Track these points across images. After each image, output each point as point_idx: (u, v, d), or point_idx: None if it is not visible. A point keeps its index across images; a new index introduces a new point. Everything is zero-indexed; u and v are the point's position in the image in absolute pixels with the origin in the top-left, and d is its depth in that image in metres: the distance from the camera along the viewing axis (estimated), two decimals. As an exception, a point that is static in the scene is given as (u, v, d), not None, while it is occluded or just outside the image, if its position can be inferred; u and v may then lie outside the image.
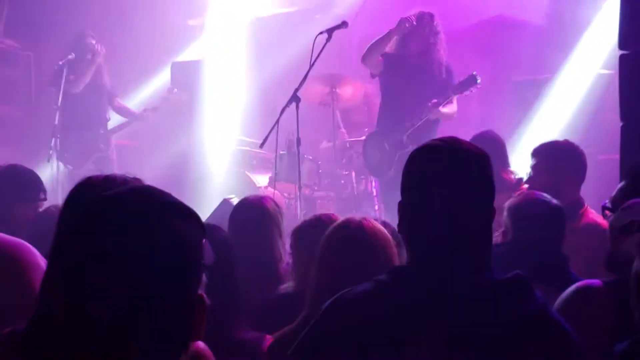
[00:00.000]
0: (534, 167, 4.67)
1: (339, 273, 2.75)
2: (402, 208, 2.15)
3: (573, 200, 4.49)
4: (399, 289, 2.04)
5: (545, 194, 3.65)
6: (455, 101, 6.93)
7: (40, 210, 4.67)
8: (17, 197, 4.69)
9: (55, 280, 1.64)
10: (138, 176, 2.39)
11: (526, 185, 4.85)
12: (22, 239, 2.94)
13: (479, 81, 6.62)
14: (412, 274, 2.08)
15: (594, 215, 4.47)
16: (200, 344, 2.27)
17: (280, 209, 4.27)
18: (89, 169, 8.07)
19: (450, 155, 2.12)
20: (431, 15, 6.98)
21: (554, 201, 3.55)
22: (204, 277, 1.56)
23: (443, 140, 2.19)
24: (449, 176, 2.09)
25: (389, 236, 2.88)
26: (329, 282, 2.70)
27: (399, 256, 2.81)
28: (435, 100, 6.73)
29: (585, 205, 4.54)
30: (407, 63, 7.02)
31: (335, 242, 2.93)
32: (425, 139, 6.66)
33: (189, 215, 1.57)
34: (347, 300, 2.08)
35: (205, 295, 1.56)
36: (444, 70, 6.94)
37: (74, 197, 2.28)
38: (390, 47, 7.08)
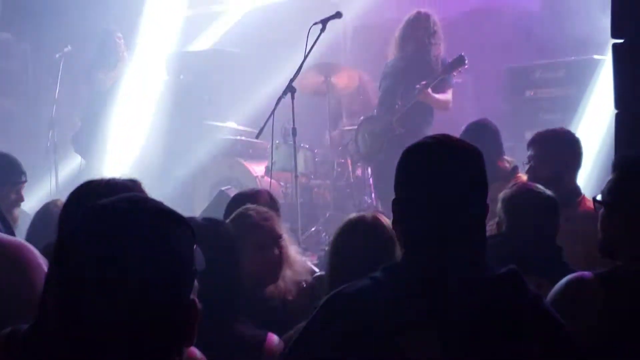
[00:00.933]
0: (534, 157, 4.62)
1: (356, 266, 2.78)
2: (396, 204, 2.17)
3: (571, 188, 4.49)
4: (394, 285, 2.06)
5: (538, 185, 3.66)
6: (449, 92, 7.03)
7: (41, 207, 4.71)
8: (3, 180, 4.78)
9: (54, 285, 1.66)
10: (136, 177, 2.42)
11: (525, 176, 4.85)
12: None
13: (466, 61, 6.77)
14: (407, 270, 2.10)
15: (591, 203, 4.47)
16: (194, 350, 2.30)
17: (276, 203, 4.29)
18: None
19: (442, 151, 2.14)
20: (427, 16, 7.18)
21: (548, 192, 3.56)
22: (195, 283, 1.59)
23: (434, 137, 2.21)
24: (441, 173, 2.10)
25: None
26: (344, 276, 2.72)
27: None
28: (424, 82, 6.83)
29: (582, 194, 4.55)
30: (404, 61, 7.18)
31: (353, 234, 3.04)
32: (416, 125, 6.80)
33: (179, 221, 1.60)
34: (343, 297, 2.11)
35: (197, 301, 1.59)
36: (440, 63, 7.06)
37: (74, 200, 2.31)
38: (390, 51, 7.23)
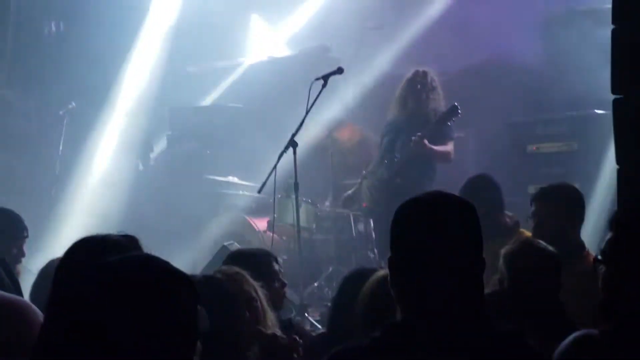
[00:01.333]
0: (538, 213, 4.58)
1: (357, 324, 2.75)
2: (392, 262, 2.15)
3: (575, 244, 4.47)
4: (394, 345, 2.03)
5: (540, 241, 3.64)
6: (450, 144, 7.07)
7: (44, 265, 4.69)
8: (7, 235, 4.79)
9: (48, 345, 1.64)
10: (134, 232, 2.40)
11: (527, 232, 4.82)
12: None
13: (459, 111, 6.88)
14: (406, 330, 2.07)
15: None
16: None
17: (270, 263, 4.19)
18: None
19: (435, 208, 2.13)
20: (425, 73, 7.30)
21: (550, 248, 3.54)
22: (199, 344, 1.57)
23: (428, 193, 2.21)
24: (435, 229, 2.09)
25: None
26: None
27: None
28: (419, 133, 6.87)
29: (587, 249, 4.52)
30: (404, 117, 7.30)
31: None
32: (415, 178, 6.83)
33: (184, 283, 1.58)
34: (342, 357, 2.08)
35: None
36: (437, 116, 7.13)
37: (70, 257, 2.29)
38: (391, 110, 7.39)
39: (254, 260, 3.95)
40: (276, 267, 4.10)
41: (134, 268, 1.57)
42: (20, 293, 3.58)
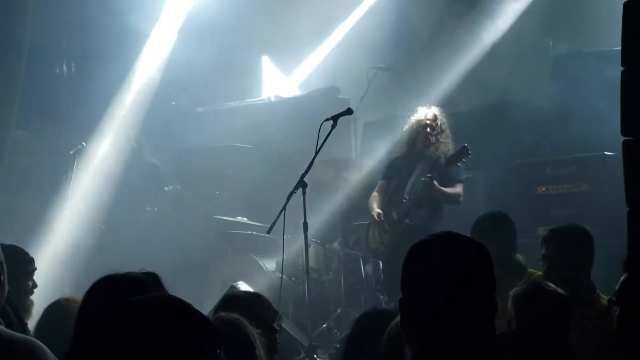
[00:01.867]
0: (551, 256, 4.56)
1: None
2: (403, 303, 2.14)
3: (587, 286, 4.45)
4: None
5: (550, 283, 3.62)
6: (459, 186, 7.05)
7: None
8: (21, 271, 4.76)
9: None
10: (151, 269, 2.41)
11: (536, 273, 4.79)
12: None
13: (470, 152, 6.81)
14: None
15: (606, 300, 4.41)
16: None
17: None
18: None
19: (446, 250, 2.12)
20: (434, 116, 7.30)
21: (559, 290, 3.51)
22: None
23: (439, 235, 2.20)
24: (447, 271, 2.08)
25: None
26: None
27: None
28: (429, 175, 6.84)
29: (598, 291, 4.48)
30: (413, 159, 7.31)
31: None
32: (424, 219, 6.77)
33: (206, 326, 1.58)
34: None
35: None
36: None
37: (93, 295, 2.29)
38: (399, 149, 7.36)
39: (247, 305, 3.90)
40: (270, 313, 4.05)
41: (155, 309, 1.57)
42: (26, 333, 3.57)
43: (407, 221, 7.07)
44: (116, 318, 1.55)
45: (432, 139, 7.20)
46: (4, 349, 2.78)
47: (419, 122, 7.32)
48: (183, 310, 1.59)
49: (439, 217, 7.17)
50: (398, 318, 3.02)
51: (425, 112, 7.36)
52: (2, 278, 3.05)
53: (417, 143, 7.31)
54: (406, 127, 7.45)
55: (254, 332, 3.39)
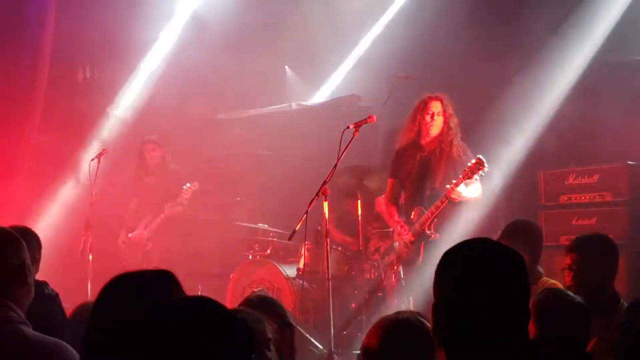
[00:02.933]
0: (577, 265, 4.53)
1: None
2: (436, 310, 2.14)
3: (611, 295, 4.42)
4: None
5: (568, 291, 3.60)
6: (477, 185, 6.94)
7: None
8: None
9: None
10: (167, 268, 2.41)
11: (550, 280, 4.77)
12: None
13: (485, 164, 6.64)
14: None
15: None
16: None
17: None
18: None
19: (485, 256, 2.11)
20: (441, 101, 7.13)
21: (578, 298, 3.49)
22: None
23: (475, 241, 2.19)
24: (481, 278, 2.07)
25: None
26: None
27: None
28: (449, 187, 6.73)
29: (622, 300, 4.45)
30: (426, 154, 7.17)
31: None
32: (446, 226, 6.58)
33: (240, 326, 1.59)
34: None
35: None
36: (461, 152, 7.00)
37: (106, 295, 2.30)
38: (406, 139, 7.26)
39: (262, 303, 3.92)
40: (284, 312, 4.06)
41: (191, 309, 1.58)
42: (66, 329, 3.60)
43: (434, 233, 6.94)
44: (153, 318, 1.56)
45: (445, 128, 7.06)
46: (32, 352, 2.80)
47: (424, 108, 7.14)
48: (223, 313, 1.60)
49: (459, 213, 7.03)
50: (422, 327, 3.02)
51: (432, 99, 7.17)
52: (29, 280, 3.07)
53: (423, 132, 7.16)
54: (411, 114, 7.25)
55: (270, 328, 3.41)
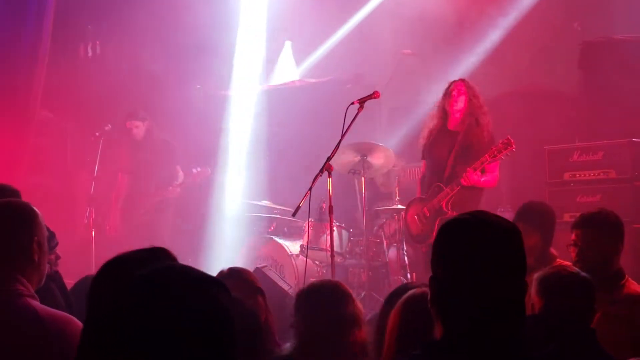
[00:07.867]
0: (581, 241, 4.50)
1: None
2: (433, 282, 2.13)
3: (615, 271, 4.42)
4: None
5: (573, 267, 3.60)
6: (496, 169, 6.96)
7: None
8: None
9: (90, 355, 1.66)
10: (175, 252, 2.40)
11: (567, 263, 4.75)
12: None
13: (513, 144, 6.67)
14: (446, 350, 2.06)
15: (636, 286, 4.39)
16: None
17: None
18: None
19: (479, 229, 2.10)
20: (463, 81, 7.20)
21: (582, 274, 3.48)
22: None
23: (471, 214, 2.18)
24: (478, 250, 2.06)
25: None
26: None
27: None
28: (470, 168, 6.75)
29: (626, 276, 4.45)
30: (452, 131, 7.17)
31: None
32: (466, 206, 6.60)
33: (220, 285, 1.62)
34: None
35: None
36: (486, 135, 7.00)
37: (103, 273, 2.30)
38: (433, 123, 7.28)
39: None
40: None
41: (171, 276, 1.60)
42: (70, 307, 3.62)
43: (451, 210, 6.94)
44: (131, 288, 1.58)
45: (470, 108, 7.08)
46: (41, 325, 2.82)
47: (450, 93, 7.19)
48: (198, 274, 1.64)
49: (479, 195, 7.06)
50: (415, 292, 3.01)
51: (453, 82, 7.24)
52: (35, 257, 3.07)
53: (450, 115, 7.20)
54: (439, 100, 7.31)
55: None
